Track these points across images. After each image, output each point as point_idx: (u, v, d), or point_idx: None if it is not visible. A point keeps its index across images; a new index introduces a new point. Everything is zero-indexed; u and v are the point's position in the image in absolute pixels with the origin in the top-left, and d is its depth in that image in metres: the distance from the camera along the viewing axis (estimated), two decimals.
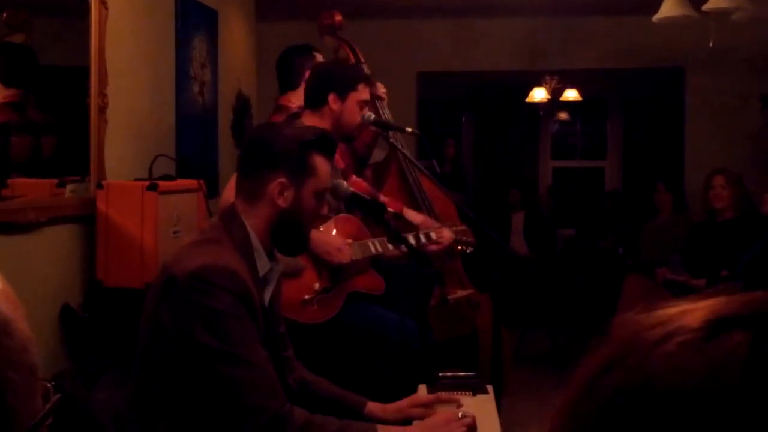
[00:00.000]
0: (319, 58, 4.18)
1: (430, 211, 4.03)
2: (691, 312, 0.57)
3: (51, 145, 3.58)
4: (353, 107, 3.43)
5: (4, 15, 3.44)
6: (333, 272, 3.23)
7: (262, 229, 2.25)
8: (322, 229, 3.28)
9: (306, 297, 3.12)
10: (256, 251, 2.23)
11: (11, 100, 3.40)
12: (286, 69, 4.30)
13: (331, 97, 3.39)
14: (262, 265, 2.25)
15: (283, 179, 2.23)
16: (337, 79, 3.44)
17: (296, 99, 4.08)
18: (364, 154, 4.17)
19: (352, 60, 4.26)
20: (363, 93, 3.47)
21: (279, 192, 2.23)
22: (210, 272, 2.07)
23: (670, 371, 0.54)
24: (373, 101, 4.11)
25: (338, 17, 4.40)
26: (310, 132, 2.34)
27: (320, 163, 2.28)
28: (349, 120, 3.44)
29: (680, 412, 0.52)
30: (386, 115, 4.12)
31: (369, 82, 3.62)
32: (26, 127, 3.46)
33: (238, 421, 2.07)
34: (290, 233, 2.29)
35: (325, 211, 2.37)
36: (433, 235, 3.60)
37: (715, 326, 0.55)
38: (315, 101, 3.43)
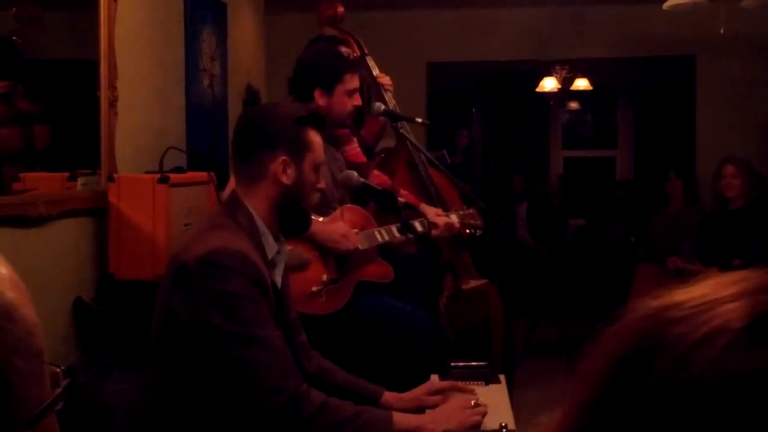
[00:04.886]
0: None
1: (439, 202, 4.03)
2: (723, 303, 0.53)
3: (45, 135, 3.57)
4: (341, 98, 3.41)
5: (14, 9, 3.45)
6: (340, 263, 3.23)
7: (267, 210, 2.27)
8: (322, 219, 3.26)
9: (314, 289, 3.12)
10: (262, 235, 2.24)
11: None
12: None
13: (316, 93, 3.38)
14: (270, 247, 2.26)
15: (284, 157, 2.26)
16: (320, 74, 3.42)
17: None
18: (372, 143, 4.17)
19: (357, 52, 4.24)
20: (350, 82, 3.43)
21: (282, 170, 2.26)
22: (221, 256, 2.08)
23: (718, 377, 0.50)
24: (379, 92, 4.10)
25: (340, 8, 4.37)
26: (302, 108, 2.38)
27: (314, 137, 2.33)
28: (339, 111, 3.42)
29: (733, 424, 0.49)
30: (392, 105, 4.11)
31: (355, 68, 3.56)
32: (15, 119, 3.44)
33: (256, 402, 2.07)
34: (295, 210, 2.32)
35: (323, 185, 2.39)
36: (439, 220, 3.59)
37: (760, 324, 0.52)
38: (302, 97, 3.42)
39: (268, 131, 2.28)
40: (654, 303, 0.56)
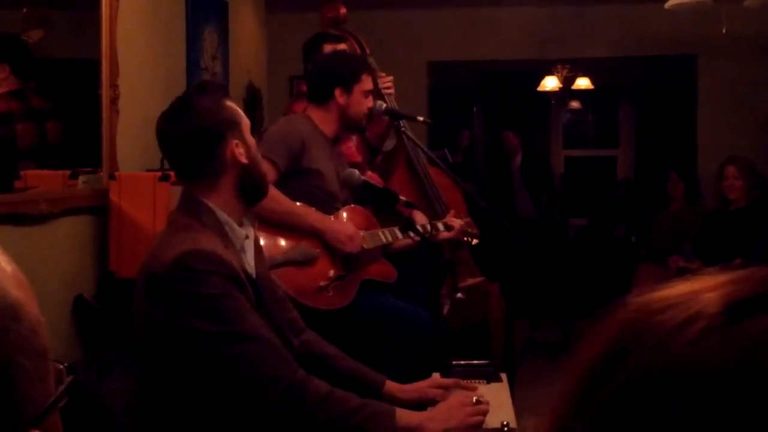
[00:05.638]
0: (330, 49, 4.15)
1: (438, 201, 4.03)
2: (702, 293, 0.55)
3: (57, 131, 3.59)
4: (359, 98, 3.45)
5: (24, 11, 3.47)
6: (346, 260, 3.26)
7: (231, 198, 2.24)
8: (333, 218, 3.30)
9: (321, 284, 3.15)
10: (226, 225, 2.21)
11: (12, 89, 3.41)
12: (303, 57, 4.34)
13: (337, 92, 3.41)
14: (236, 236, 2.24)
15: (234, 140, 2.24)
16: (341, 73, 3.45)
17: None
18: (376, 144, 4.17)
19: (358, 52, 4.25)
20: (367, 83, 3.49)
21: (238, 152, 2.24)
22: (191, 259, 2.05)
23: (695, 359, 0.51)
24: (379, 92, 4.11)
25: (342, 10, 4.38)
26: (219, 89, 2.37)
27: (232, 103, 2.32)
28: (357, 111, 3.46)
29: (710, 402, 0.50)
30: (393, 106, 4.12)
31: (371, 70, 3.63)
32: (29, 114, 3.47)
33: (253, 396, 2.07)
34: (256, 181, 2.30)
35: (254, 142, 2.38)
36: (440, 226, 3.62)
37: (736, 309, 0.53)
38: (320, 96, 3.44)
39: (211, 129, 2.23)
40: (636, 299, 0.58)
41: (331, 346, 2.51)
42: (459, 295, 4.17)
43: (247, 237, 2.29)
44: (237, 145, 2.24)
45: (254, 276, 2.28)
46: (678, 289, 0.57)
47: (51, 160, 3.54)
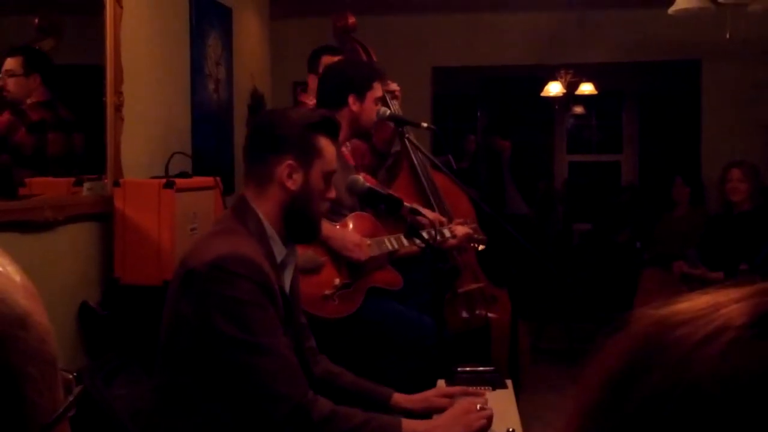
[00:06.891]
0: (328, 60, 4.16)
1: (441, 207, 4.03)
2: (726, 305, 0.54)
3: (81, 142, 3.62)
4: (371, 105, 3.46)
5: (37, 20, 3.47)
6: (352, 268, 3.25)
7: (275, 214, 2.25)
8: (338, 226, 3.29)
9: (327, 292, 3.14)
10: (271, 238, 2.24)
11: (44, 99, 3.43)
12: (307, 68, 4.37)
13: (351, 99, 3.41)
14: (279, 250, 2.25)
15: (291, 161, 2.24)
16: (355, 80, 3.46)
17: (311, 97, 4.11)
18: (384, 150, 4.17)
19: (365, 59, 4.27)
20: (378, 90, 3.50)
21: (288, 175, 2.24)
22: (228, 261, 2.07)
23: (722, 374, 0.50)
24: (385, 98, 4.11)
25: (351, 19, 4.40)
26: (314, 114, 2.37)
27: (326, 144, 2.30)
28: (368, 118, 3.47)
29: (739, 419, 0.49)
30: (398, 112, 4.12)
31: (382, 78, 3.64)
32: (59, 125, 3.49)
33: (261, 410, 2.07)
34: (301, 217, 2.29)
35: (333, 194, 2.36)
36: (446, 231, 3.61)
37: (763, 321, 0.51)
38: (333, 102, 3.44)
39: (276, 135, 2.27)
40: (656, 311, 0.56)
41: (335, 365, 2.52)
42: (490, 315, 4.17)
43: (288, 255, 2.30)
44: (291, 168, 2.24)
45: (288, 294, 2.28)
46: (700, 301, 0.56)
47: (74, 170, 3.56)
